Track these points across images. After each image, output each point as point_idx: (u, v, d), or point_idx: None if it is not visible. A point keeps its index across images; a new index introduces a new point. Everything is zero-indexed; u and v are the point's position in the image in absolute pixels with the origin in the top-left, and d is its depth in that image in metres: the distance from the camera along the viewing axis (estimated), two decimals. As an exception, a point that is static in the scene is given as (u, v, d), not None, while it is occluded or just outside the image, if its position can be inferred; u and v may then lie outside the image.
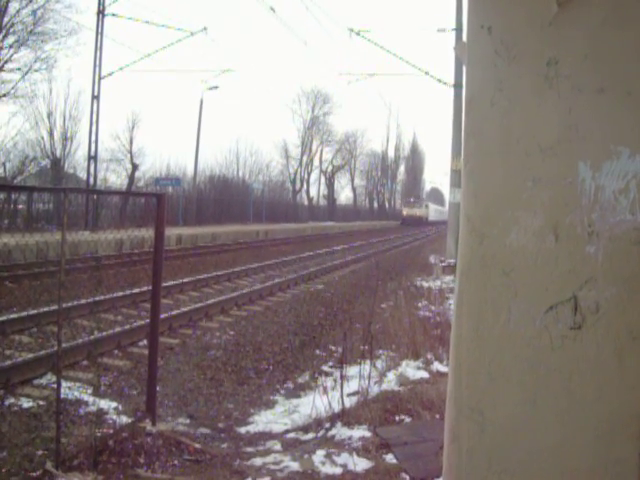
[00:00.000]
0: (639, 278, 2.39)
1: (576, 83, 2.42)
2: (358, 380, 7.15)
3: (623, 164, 2.39)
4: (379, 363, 8.44)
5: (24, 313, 10.23)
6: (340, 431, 5.84)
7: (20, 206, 29.90)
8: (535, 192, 2.43)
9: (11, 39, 30.44)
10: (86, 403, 6.71)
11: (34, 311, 10.32)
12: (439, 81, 28.32)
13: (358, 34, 27.84)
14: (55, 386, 5.33)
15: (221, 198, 49.41)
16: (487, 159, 2.47)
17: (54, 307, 10.04)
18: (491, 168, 2.47)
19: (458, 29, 22.41)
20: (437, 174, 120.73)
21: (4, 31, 29.40)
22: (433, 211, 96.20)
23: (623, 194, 2.39)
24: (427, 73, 29.07)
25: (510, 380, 2.47)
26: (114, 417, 6.25)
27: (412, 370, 7.83)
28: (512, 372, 2.47)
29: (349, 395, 6.93)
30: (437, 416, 5.89)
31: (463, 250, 2.51)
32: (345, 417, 6.11)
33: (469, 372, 2.50)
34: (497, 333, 2.47)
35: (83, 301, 11.39)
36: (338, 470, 5.00)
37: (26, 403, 6.54)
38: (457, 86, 21.95)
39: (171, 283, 14.87)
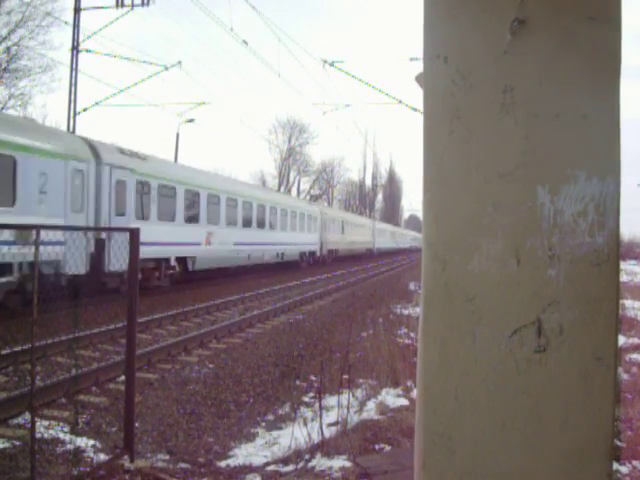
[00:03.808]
0: (600, 299, 2.42)
1: (532, 109, 2.47)
2: (338, 410, 7.12)
3: (580, 187, 2.42)
4: (359, 392, 8.42)
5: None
6: (320, 462, 5.79)
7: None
8: (495, 218, 2.46)
9: (-16, 77, 30.56)
10: (63, 442, 6.61)
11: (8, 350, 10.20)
12: (413, 109, 28.67)
13: (332, 65, 28.09)
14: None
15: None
16: (447, 186, 2.50)
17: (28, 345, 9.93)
18: (451, 195, 2.49)
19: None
20: (415, 201, 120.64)
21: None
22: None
23: (581, 217, 2.43)
24: (400, 101, 29.46)
25: (477, 405, 2.47)
26: (91, 455, 6.16)
27: (392, 398, 7.81)
28: (479, 397, 2.47)
29: (329, 425, 6.89)
30: (417, 443, 5.87)
31: (426, 277, 2.53)
32: (325, 447, 6.06)
33: (436, 398, 2.50)
34: (462, 358, 2.48)
35: (59, 338, 11.26)
36: (318, 501, 4.96)
37: (0, 444, 6.42)
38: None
39: (148, 318, 14.76)
